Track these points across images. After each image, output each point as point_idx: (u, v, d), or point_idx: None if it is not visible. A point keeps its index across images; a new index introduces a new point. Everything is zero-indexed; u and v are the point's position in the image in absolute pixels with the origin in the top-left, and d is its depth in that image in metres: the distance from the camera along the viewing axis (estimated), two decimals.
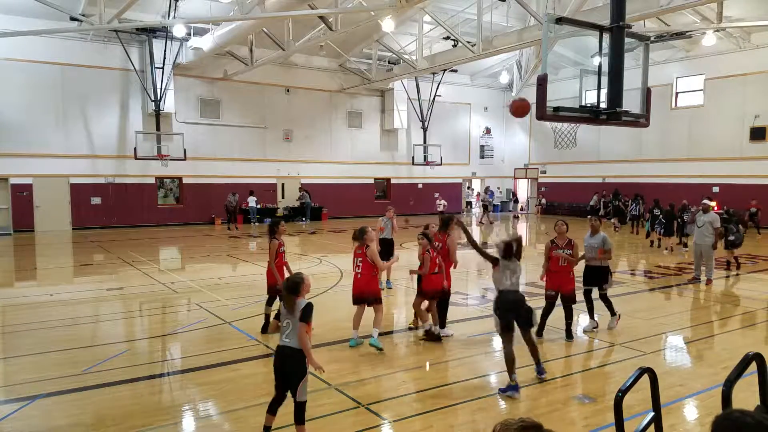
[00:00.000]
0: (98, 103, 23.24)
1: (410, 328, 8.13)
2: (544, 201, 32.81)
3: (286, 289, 4.61)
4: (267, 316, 7.94)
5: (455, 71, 30.42)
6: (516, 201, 35.42)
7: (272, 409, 4.67)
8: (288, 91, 27.50)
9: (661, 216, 17.95)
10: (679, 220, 17.33)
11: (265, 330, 7.85)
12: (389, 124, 30.23)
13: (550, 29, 6.62)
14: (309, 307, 4.51)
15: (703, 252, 11.65)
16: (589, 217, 8.69)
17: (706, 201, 12.14)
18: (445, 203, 28.57)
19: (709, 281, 11.64)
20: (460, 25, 22.82)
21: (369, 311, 7.30)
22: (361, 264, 7.17)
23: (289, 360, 4.47)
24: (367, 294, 7.17)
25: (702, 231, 11.64)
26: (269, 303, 7.97)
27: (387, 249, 10.99)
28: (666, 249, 17.22)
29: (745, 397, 3.17)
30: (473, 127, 34.19)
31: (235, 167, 26.10)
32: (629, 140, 26.98)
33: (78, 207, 23.27)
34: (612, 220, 24.36)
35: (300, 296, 4.58)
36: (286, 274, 7.40)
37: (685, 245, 17.05)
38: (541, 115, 6.19)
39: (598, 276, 8.05)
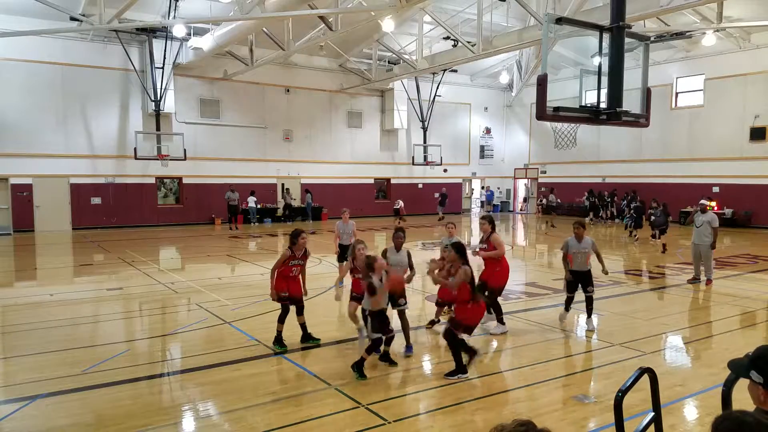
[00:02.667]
0: (98, 103, 23.25)
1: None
2: (545, 201, 32.80)
3: (366, 266, 6.27)
4: (279, 333, 7.17)
5: (455, 71, 30.42)
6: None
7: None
8: (288, 91, 27.51)
9: (632, 211, 20.89)
10: (650, 214, 19.47)
11: (279, 342, 7.14)
12: (389, 124, 30.24)
13: (550, 29, 6.62)
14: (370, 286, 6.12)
15: (701, 252, 11.62)
16: (574, 223, 8.34)
17: (704, 201, 12.10)
18: (401, 203, 27.70)
19: (709, 281, 11.63)
20: (460, 25, 22.82)
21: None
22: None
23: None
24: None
25: (700, 231, 11.59)
26: (281, 318, 7.14)
27: (344, 255, 10.50)
28: (634, 238, 19.83)
29: (745, 397, 3.17)
30: (473, 127, 34.19)
31: (235, 167, 26.11)
32: (629, 140, 26.98)
33: (78, 207, 23.28)
34: (589, 216, 27.41)
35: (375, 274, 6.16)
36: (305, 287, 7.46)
37: (653, 236, 18.95)
38: (541, 115, 6.20)
39: (586, 279, 8.18)
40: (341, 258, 11.00)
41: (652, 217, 18.12)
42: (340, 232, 11.04)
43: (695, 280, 11.80)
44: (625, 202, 25.08)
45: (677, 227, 24.13)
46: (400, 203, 27.58)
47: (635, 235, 20.05)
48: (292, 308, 7.28)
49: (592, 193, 28.71)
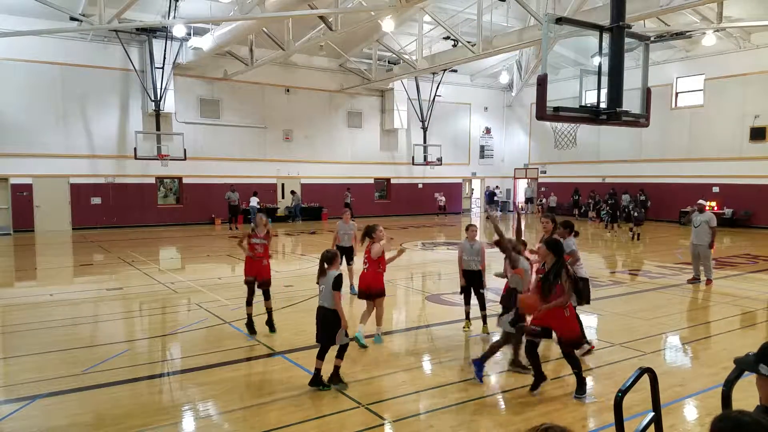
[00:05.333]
0: (98, 103, 23.24)
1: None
2: (545, 201, 32.82)
3: (324, 260, 5.73)
4: (249, 317, 7.77)
5: (455, 71, 30.42)
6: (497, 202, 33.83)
7: (320, 355, 5.75)
8: (288, 91, 27.50)
9: (608, 207, 24.15)
10: (627, 210, 23.45)
11: (252, 330, 7.69)
12: (389, 124, 30.23)
13: (550, 29, 6.62)
14: (339, 278, 5.65)
15: (700, 252, 11.65)
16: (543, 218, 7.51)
17: (701, 201, 12.16)
18: (444, 199, 30.67)
19: (709, 281, 11.64)
20: (460, 25, 22.83)
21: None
22: (368, 260, 7.38)
23: (326, 318, 5.66)
24: (373, 289, 7.28)
25: (699, 231, 11.63)
26: (248, 301, 7.74)
27: (348, 257, 10.24)
28: (610, 232, 22.39)
29: (745, 397, 3.17)
30: (473, 127, 34.19)
31: (235, 167, 26.11)
32: (629, 140, 26.98)
33: (78, 207, 23.28)
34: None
35: (333, 267, 5.70)
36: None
37: (630, 229, 21.00)
38: (541, 115, 6.19)
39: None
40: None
41: (634, 213, 21.16)
42: (340, 233, 10.37)
43: (695, 280, 11.80)
44: (597, 198, 28.31)
45: (677, 227, 24.15)
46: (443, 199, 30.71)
47: (614, 229, 22.68)
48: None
49: (576, 192, 30.01)
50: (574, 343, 5.68)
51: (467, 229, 7.88)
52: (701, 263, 11.75)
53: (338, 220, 10.92)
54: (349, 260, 10.35)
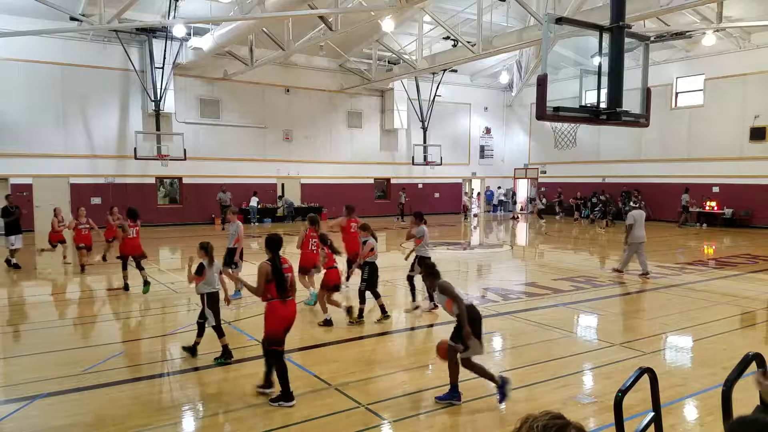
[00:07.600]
0: (98, 103, 23.24)
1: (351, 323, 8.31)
2: (544, 200, 32.82)
3: (212, 250, 6.93)
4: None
5: (455, 71, 30.40)
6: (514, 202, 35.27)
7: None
8: (288, 91, 27.50)
9: (600, 205, 27.15)
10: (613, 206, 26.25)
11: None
12: (389, 124, 30.22)
13: (550, 29, 6.63)
14: (200, 266, 6.75)
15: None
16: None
17: (632, 204, 12.85)
18: (467, 199, 32.03)
19: (617, 270, 12.73)
20: (460, 25, 22.81)
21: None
22: (315, 243, 9.26)
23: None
24: (313, 264, 9.27)
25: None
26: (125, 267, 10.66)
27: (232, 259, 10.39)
28: (600, 228, 24.23)
29: (745, 397, 3.17)
30: (473, 127, 34.17)
31: (235, 167, 26.10)
32: (629, 140, 26.98)
33: (78, 207, 23.21)
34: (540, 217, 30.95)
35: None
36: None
37: (608, 224, 24.65)
38: (541, 115, 6.19)
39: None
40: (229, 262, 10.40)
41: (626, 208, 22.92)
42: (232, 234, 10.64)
43: (644, 274, 12.44)
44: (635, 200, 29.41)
45: (674, 226, 24.16)
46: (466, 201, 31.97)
47: (601, 227, 24.82)
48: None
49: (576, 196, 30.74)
50: (269, 341, 5.65)
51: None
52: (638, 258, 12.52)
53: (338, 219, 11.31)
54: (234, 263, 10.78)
